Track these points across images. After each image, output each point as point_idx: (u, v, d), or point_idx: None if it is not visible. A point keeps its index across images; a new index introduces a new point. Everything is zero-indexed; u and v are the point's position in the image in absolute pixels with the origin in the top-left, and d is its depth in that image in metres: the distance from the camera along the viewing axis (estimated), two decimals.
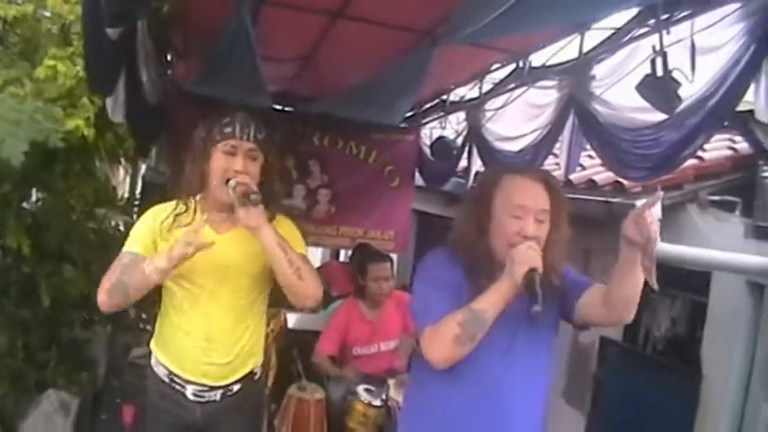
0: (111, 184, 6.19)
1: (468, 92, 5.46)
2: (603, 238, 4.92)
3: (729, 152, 4.91)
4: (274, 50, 4.32)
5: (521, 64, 4.46)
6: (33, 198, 5.20)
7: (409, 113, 6.09)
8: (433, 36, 3.73)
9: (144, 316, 4.68)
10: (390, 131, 6.47)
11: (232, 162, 2.69)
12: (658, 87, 3.02)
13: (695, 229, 4.57)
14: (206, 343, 2.75)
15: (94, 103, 4.38)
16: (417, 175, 6.79)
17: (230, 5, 3.26)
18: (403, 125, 6.48)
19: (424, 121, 6.47)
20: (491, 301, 2.26)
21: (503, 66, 4.72)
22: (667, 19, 3.07)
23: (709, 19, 2.92)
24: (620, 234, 2.19)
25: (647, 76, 3.07)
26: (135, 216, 5.58)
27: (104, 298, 2.68)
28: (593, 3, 3.09)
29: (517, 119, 4.78)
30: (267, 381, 4.07)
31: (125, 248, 2.78)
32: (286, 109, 6.27)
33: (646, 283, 2.24)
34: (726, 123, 3.44)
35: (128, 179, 8.13)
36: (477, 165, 5.67)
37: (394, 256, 6.14)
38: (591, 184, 5.06)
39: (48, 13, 4.91)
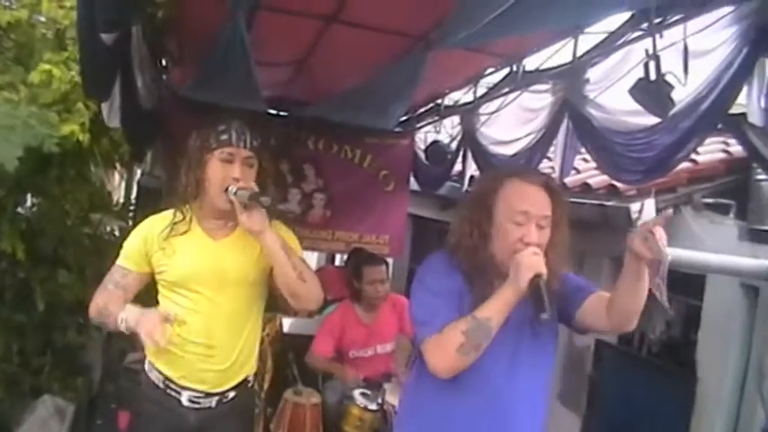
0: (107, 190, 6.18)
1: (463, 96, 5.47)
2: (598, 242, 4.96)
3: (723, 155, 4.93)
4: (269, 55, 4.32)
5: (515, 68, 4.47)
6: (28, 203, 5.19)
7: (404, 118, 6.09)
8: (427, 40, 3.73)
9: None
10: (385, 136, 6.47)
11: (229, 170, 2.68)
12: (651, 91, 3.03)
13: (689, 231, 4.58)
14: (206, 349, 2.74)
15: (89, 108, 4.38)
16: (412, 179, 6.79)
17: (225, 11, 3.26)
18: (398, 129, 6.47)
19: (419, 125, 6.47)
20: (496, 309, 2.22)
21: (497, 70, 4.73)
22: (660, 23, 3.08)
23: (701, 22, 2.93)
24: (627, 247, 2.17)
25: (640, 79, 3.08)
26: (130, 221, 5.58)
27: (93, 314, 2.77)
28: (586, 6, 3.10)
29: (511, 123, 4.79)
30: (263, 385, 4.07)
31: (118, 261, 2.83)
32: (281, 113, 6.27)
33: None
34: (719, 126, 3.45)
35: (123, 184, 8.12)
36: (472, 169, 5.68)
37: (389, 261, 6.15)
38: (585, 188, 5.08)
39: (42, 19, 4.92)
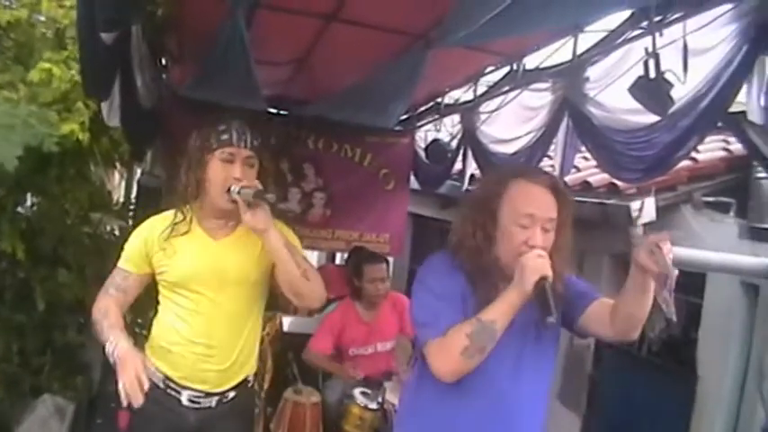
0: (107, 189, 6.18)
1: (463, 94, 5.47)
2: (598, 240, 4.96)
3: (723, 153, 4.93)
4: (269, 54, 4.31)
5: (515, 66, 4.47)
6: (28, 203, 5.19)
7: (404, 116, 6.08)
8: (427, 39, 3.73)
9: (139, 320, 4.68)
10: (385, 134, 6.47)
11: (230, 170, 2.68)
12: (651, 89, 3.02)
13: (689, 230, 4.58)
14: (206, 349, 2.74)
15: (89, 108, 4.38)
16: (412, 178, 6.79)
17: (224, 9, 3.26)
18: (398, 128, 6.46)
19: (419, 123, 6.46)
20: (500, 312, 2.18)
21: (497, 68, 4.72)
22: (660, 21, 3.08)
23: (701, 20, 2.92)
24: (632, 259, 2.15)
25: (639, 77, 3.08)
26: (130, 221, 5.57)
27: (93, 318, 2.77)
28: (586, 5, 3.10)
29: (511, 121, 4.78)
30: (263, 384, 4.07)
31: (119, 264, 2.85)
32: (280, 112, 6.26)
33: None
34: (719, 125, 3.45)
35: (123, 183, 8.12)
36: (472, 167, 5.68)
37: (390, 260, 6.15)
38: (585, 186, 5.07)
39: (42, 18, 4.92)
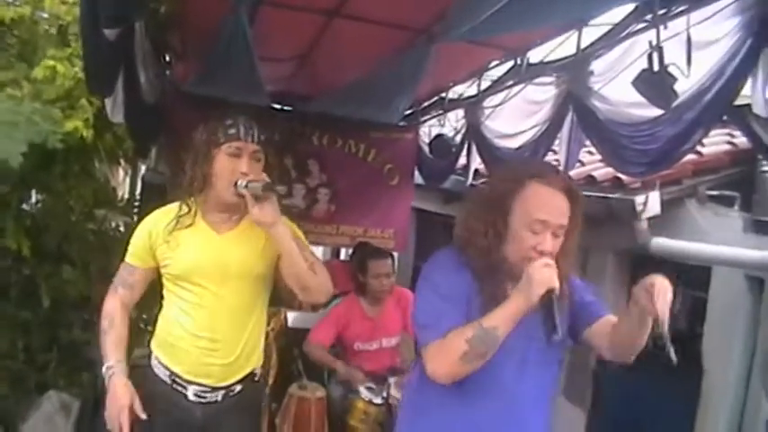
0: (111, 185, 6.18)
1: (467, 89, 5.47)
2: (603, 236, 4.95)
3: (728, 147, 4.92)
4: (272, 50, 4.32)
5: (518, 61, 4.46)
6: (33, 199, 5.20)
7: (408, 111, 6.08)
8: (430, 34, 3.73)
9: (144, 316, 4.68)
10: (389, 130, 6.46)
11: (237, 164, 2.67)
12: (654, 82, 3.02)
13: (694, 224, 4.58)
14: (209, 343, 2.74)
15: (93, 104, 4.38)
16: (416, 173, 6.79)
17: (227, 6, 3.26)
18: (402, 123, 6.46)
19: (423, 119, 6.46)
20: (503, 318, 2.14)
21: (501, 63, 4.72)
22: (664, 14, 3.07)
23: (704, 13, 2.92)
24: (632, 296, 2.16)
25: (643, 71, 3.07)
26: (135, 217, 5.58)
27: (102, 320, 2.88)
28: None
29: (516, 116, 4.78)
30: (268, 380, 4.07)
31: (126, 258, 2.88)
32: (284, 108, 6.26)
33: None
34: (724, 118, 3.44)
35: (127, 180, 8.13)
36: (477, 162, 5.67)
37: (394, 255, 6.15)
38: (590, 180, 5.06)
39: (45, 15, 4.92)
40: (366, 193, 6.55)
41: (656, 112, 3.17)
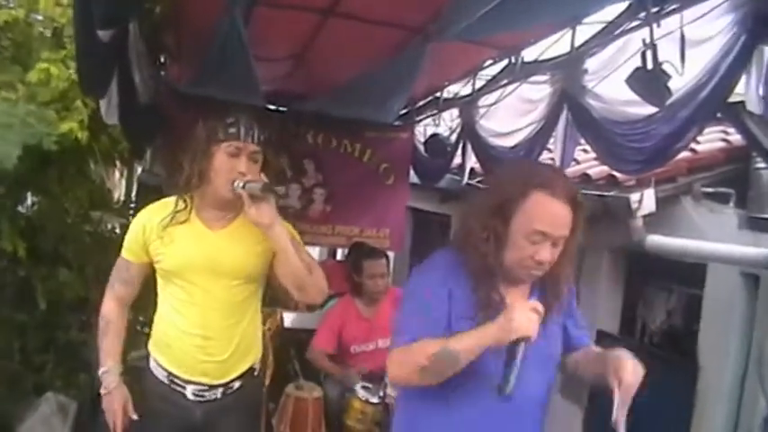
0: (107, 187, 6.18)
1: (462, 88, 5.47)
2: (598, 234, 4.95)
3: (723, 144, 4.92)
4: (267, 50, 4.32)
5: (513, 60, 4.47)
6: (28, 202, 5.19)
7: (403, 111, 6.09)
8: (425, 33, 3.73)
9: (141, 318, 4.68)
10: (385, 129, 6.47)
11: (235, 164, 2.68)
12: (648, 80, 3.03)
13: (690, 221, 4.58)
14: (203, 340, 2.75)
15: (88, 106, 4.38)
16: (412, 172, 6.79)
17: (222, 6, 3.26)
18: (397, 123, 6.47)
19: (418, 118, 6.47)
20: (469, 346, 2.12)
21: (495, 62, 4.73)
22: (657, 12, 3.08)
23: (698, 11, 2.92)
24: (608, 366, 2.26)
25: (637, 69, 3.08)
26: (131, 218, 5.56)
27: (100, 321, 2.95)
28: None
29: (511, 114, 4.79)
30: (265, 379, 4.08)
31: (122, 253, 2.90)
32: (279, 108, 6.27)
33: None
34: (718, 115, 3.45)
35: (123, 181, 8.13)
36: (472, 161, 5.69)
37: (390, 254, 6.15)
38: (585, 179, 5.07)
39: (40, 17, 4.91)
40: (362, 192, 6.56)
41: (651, 109, 3.17)
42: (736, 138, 4.67)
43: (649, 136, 3.24)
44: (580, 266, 5.10)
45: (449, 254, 2.39)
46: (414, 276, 2.46)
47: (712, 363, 4.36)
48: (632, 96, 3.19)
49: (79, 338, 4.89)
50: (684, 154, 4.15)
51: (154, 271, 2.86)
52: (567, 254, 2.31)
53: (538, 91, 4.36)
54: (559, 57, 4.04)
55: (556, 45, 4.07)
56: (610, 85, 3.59)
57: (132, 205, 6.07)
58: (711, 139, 4.98)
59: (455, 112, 5.85)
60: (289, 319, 5.54)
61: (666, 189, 4.62)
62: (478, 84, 5.11)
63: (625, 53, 3.42)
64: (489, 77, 4.96)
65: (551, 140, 4.32)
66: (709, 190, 4.65)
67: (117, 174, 8.07)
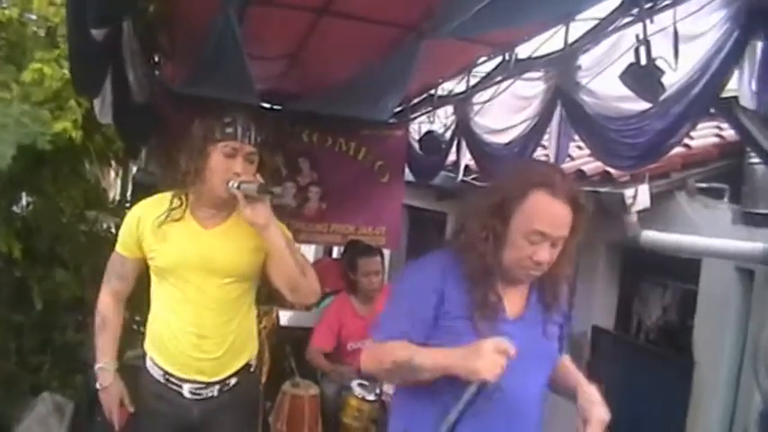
0: (102, 186, 6.16)
1: (456, 86, 5.48)
2: (593, 230, 4.96)
3: (716, 140, 4.94)
4: (261, 49, 4.32)
5: (507, 57, 4.48)
6: (23, 202, 5.18)
7: (398, 109, 6.10)
8: (419, 31, 3.74)
9: (137, 318, 4.68)
10: (379, 127, 6.47)
11: (231, 164, 2.67)
12: (642, 76, 3.04)
13: (684, 216, 4.59)
14: (197, 339, 2.75)
15: (82, 105, 4.37)
16: (407, 170, 6.79)
17: (216, 5, 3.26)
18: (392, 121, 6.47)
19: (413, 116, 6.48)
20: (433, 367, 2.13)
21: (489, 59, 4.74)
22: (650, 8, 3.09)
23: (691, 7, 2.93)
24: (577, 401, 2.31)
25: (630, 65, 3.09)
26: None
27: (96, 317, 2.96)
28: None
29: (505, 111, 4.80)
30: (261, 377, 4.08)
31: (116, 247, 2.90)
32: (274, 107, 6.27)
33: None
34: (712, 111, 3.46)
35: (118, 181, 8.10)
36: (467, 158, 5.69)
37: (387, 252, 6.15)
38: (579, 175, 5.08)
39: (33, 17, 4.90)
40: (357, 190, 6.56)
41: (644, 105, 3.18)
42: (729, 133, 4.69)
43: (643, 132, 3.25)
44: (576, 263, 5.12)
45: (446, 253, 2.35)
46: (405, 274, 2.47)
47: (708, 358, 4.38)
48: (626, 92, 3.20)
49: (76, 339, 4.88)
50: (678, 149, 4.17)
51: (149, 269, 2.86)
52: (567, 254, 2.28)
53: (532, 88, 4.37)
54: (553, 53, 4.05)
55: (549, 42, 4.08)
56: (603, 82, 3.60)
57: (128, 205, 6.05)
58: (705, 135, 5.00)
59: (449, 109, 5.86)
60: (285, 317, 5.54)
61: (660, 185, 4.63)
62: (473, 81, 5.12)
63: (618, 49, 3.43)
64: (483, 74, 4.97)
65: (546, 137, 4.33)
66: (704, 185, 4.67)
67: (112, 173, 8.06)
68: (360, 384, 4.33)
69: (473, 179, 6.00)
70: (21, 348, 4.70)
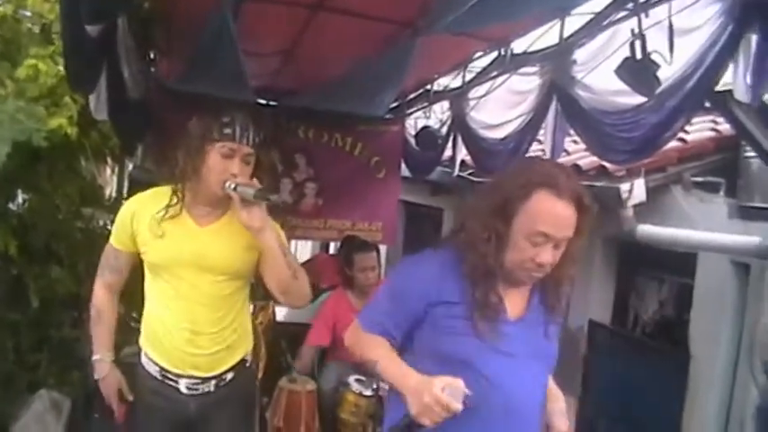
0: (98, 183, 6.15)
1: (452, 81, 5.48)
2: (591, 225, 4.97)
3: (712, 133, 4.95)
4: (257, 45, 4.31)
5: (502, 52, 4.48)
6: (19, 199, 5.17)
7: (394, 104, 6.09)
8: (415, 26, 3.74)
9: (134, 314, 4.67)
10: (375, 123, 6.46)
11: (228, 165, 2.66)
12: (637, 70, 3.04)
13: (680, 210, 4.61)
14: (191, 335, 2.75)
15: (77, 102, 4.36)
16: (403, 165, 6.79)
17: (211, 1, 3.26)
18: (388, 116, 6.46)
19: (409, 111, 6.47)
20: (388, 380, 2.21)
21: (485, 54, 4.74)
22: (645, 2, 3.09)
23: (686, 0, 2.93)
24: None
25: (626, 59, 3.09)
26: None
27: (92, 310, 2.97)
28: None
29: (500, 106, 4.79)
30: (258, 372, 4.08)
31: (110, 240, 2.91)
32: (270, 103, 6.26)
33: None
34: (707, 105, 3.46)
35: (114, 178, 8.09)
36: (463, 153, 5.69)
37: (383, 248, 6.15)
38: (575, 169, 5.09)
39: (28, 13, 4.89)
40: (353, 186, 6.55)
41: (639, 99, 3.18)
42: (725, 127, 4.70)
43: (638, 126, 3.25)
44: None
45: (447, 252, 2.31)
46: (403, 265, 2.47)
47: (704, 351, 4.39)
48: (621, 86, 3.20)
49: (72, 336, 4.88)
50: (674, 143, 4.18)
51: (143, 263, 2.86)
52: (570, 255, 2.23)
53: (527, 82, 4.37)
54: (548, 48, 4.04)
55: (545, 36, 4.08)
56: (599, 76, 3.60)
57: (124, 202, 6.05)
58: (701, 129, 5.01)
59: (445, 104, 5.85)
60: (281, 312, 5.54)
61: (656, 179, 4.65)
62: (468, 76, 5.12)
63: (613, 43, 3.43)
64: (479, 69, 4.96)
65: (541, 132, 4.33)
66: (699, 179, 4.68)
67: (108, 170, 8.04)
68: (357, 380, 4.32)
69: (469, 174, 6.01)
70: (17, 346, 4.69)
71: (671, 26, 2.95)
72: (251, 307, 3.20)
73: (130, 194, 5.93)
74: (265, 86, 5.76)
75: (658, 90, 3.02)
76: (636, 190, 4.48)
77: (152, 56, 5.08)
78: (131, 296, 3.01)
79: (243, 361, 2.93)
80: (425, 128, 6.09)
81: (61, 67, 4.27)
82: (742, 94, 2.77)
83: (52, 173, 4.84)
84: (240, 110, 2.77)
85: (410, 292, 2.27)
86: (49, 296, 4.73)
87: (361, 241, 5.20)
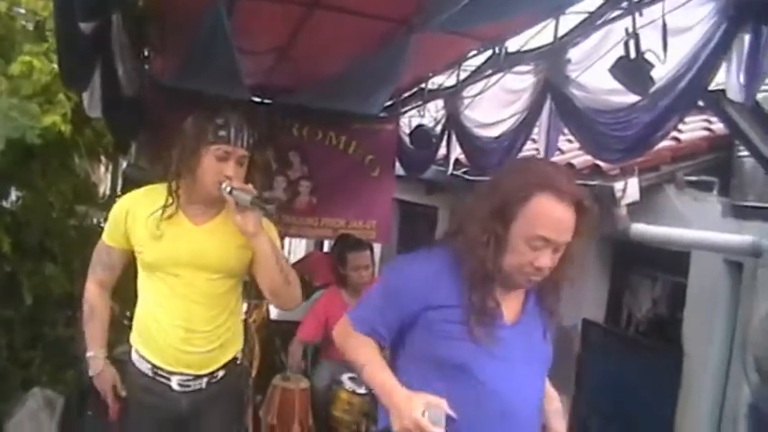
0: (92, 181, 6.14)
1: (446, 80, 5.48)
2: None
3: (705, 133, 4.95)
4: (252, 43, 4.31)
5: (497, 50, 4.48)
6: (12, 196, 5.17)
7: (388, 103, 6.10)
8: (410, 25, 3.73)
9: (127, 313, 4.67)
10: (370, 121, 6.46)
11: (223, 167, 2.66)
12: (631, 69, 3.04)
13: (673, 209, 4.61)
14: (186, 333, 2.75)
15: (71, 99, 4.35)
16: (397, 164, 6.80)
17: None
18: (382, 114, 6.47)
19: (403, 109, 6.48)
20: (375, 387, 2.18)
21: (479, 52, 4.73)
22: (640, 1, 3.09)
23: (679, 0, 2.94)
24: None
25: (620, 58, 3.10)
26: None
27: (84, 307, 2.99)
28: None
29: (495, 105, 4.80)
30: (251, 371, 4.09)
31: (103, 237, 2.91)
32: (265, 101, 6.26)
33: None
34: (701, 104, 3.47)
35: (108, 175, 8.08)
36: (457, 152, 5.69)
37: (378, 246, 6.15)
38: (569, 168, 5.09)
39: (22, 10, 4.88)
40: (347, 184, 6.56)
41: (633, 98, 3.19)
42: (718, 126, 4.71)
43: (631, 125, 3.26)
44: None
45: (442, 252, 2.28)
46: (398, 264, 2.46)
47: (697, 350, 4.40)
48: (615, 85, 3.20)
49: (66, 333, 4.87)
50: (667, 142, 4.19)
51: (136, 260, 2.86)
52: (569, 258, 2.20)
53: (521, 81, 4.37)
54: (543, 47, 4.05)
55: (539, 35, 4.08)
56: (593, 75, 3.60)
57: (117, 199, 6.04)
58: (694, 128, 5.02)
59: (440, 103, 5.86)
60: (275, 310, 5.55)
61: (650, 178, 4.65)
62: (463, 75, 5.12)
63: (607, 43, 3.43)
64: (473, 68, 4.96)
65: (535, 130, 4.34)
66: (693, 178, 4.69)
67: (102, 168, 8.03)
68: (350, 378, 4.33)
69: (463, 173, 6.02)
70: (11, 344, 4.69)
71: (665, 25, 2.95)
72: (245, 305, 3.19)
73: (124, 192, 5.94)
74: (260, 84, 5.75)
75: (652, 89, 3.03)
76: (629, 189, 4.49)
77: (146, 53, 5.07)
78: (125, 293, 3.01)
79: (234, 359, 2.94)
80: (420, 126, 6.10)
81: (55, 65, 4.26)
82: (735, 94, 2.78)
83: (46, 170, 4.83)
84: (235, 111, 2.76)
85: (404, 291, 2.24)
86: (43, 293, 4.72)
87: (354, 240, 5.20)
